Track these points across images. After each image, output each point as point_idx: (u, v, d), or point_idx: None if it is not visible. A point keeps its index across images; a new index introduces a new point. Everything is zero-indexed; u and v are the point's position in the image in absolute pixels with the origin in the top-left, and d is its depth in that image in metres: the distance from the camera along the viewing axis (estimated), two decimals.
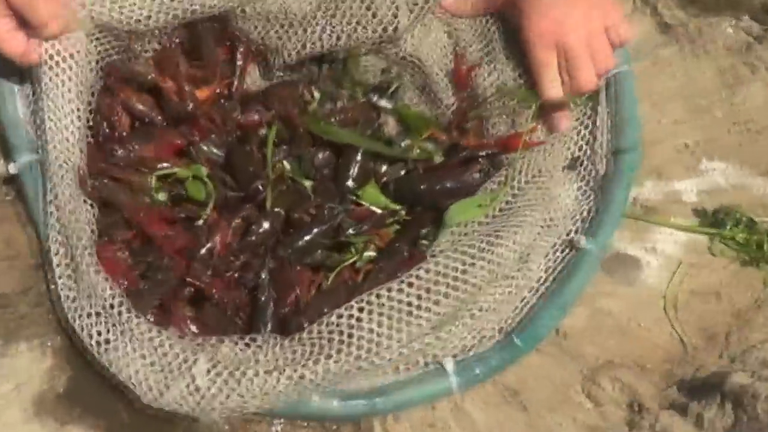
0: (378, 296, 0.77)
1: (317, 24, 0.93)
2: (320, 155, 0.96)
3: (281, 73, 1.00)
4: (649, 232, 0.99)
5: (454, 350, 0.84)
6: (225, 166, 0.93)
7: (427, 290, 0.78)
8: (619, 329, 0.92)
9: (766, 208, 1.01)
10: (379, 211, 0.93)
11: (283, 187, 0.92)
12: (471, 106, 0.99)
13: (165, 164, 0.90)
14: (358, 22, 0.93)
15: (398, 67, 1.01)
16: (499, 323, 0.86)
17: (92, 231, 0.82)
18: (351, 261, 0.88)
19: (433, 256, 0.82)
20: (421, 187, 0.93)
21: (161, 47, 0.95)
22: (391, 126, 1.00)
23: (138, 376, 0.74)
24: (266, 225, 0.87)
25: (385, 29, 0.94)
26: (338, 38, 0.94)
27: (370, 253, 0.89)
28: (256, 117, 0.95)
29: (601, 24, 0.90)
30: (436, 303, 0.77)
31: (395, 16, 0.93)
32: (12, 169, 0.89)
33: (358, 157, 0.94)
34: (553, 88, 0.90)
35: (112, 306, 0.76)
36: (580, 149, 0.94)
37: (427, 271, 0.78)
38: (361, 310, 0.76)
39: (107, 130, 0.91)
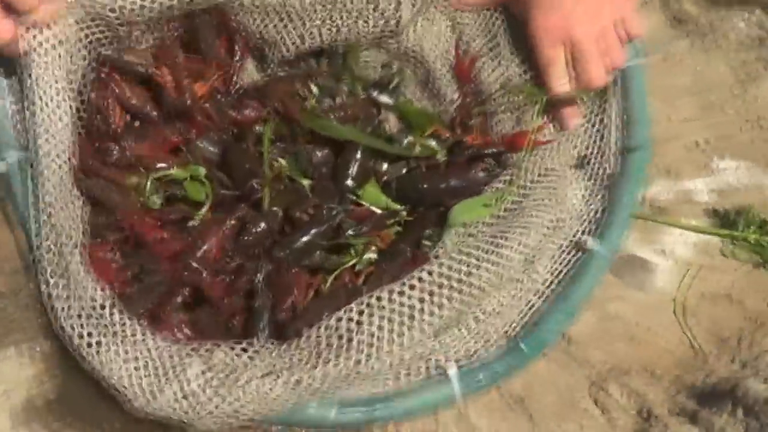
0: (379, 299, 0.77)
1: (317, 17, 0.93)
2: (318, 153, 0.95)
3: (278, 68, 1.00)
4: (659, 234, 0.99)
5: (457, 356, 0.84)
6: (221, 165, 0.93)
7: (430, 293, 0.77)
8: (628, 334, 0.92)
9: None
10: (379, 211, 0.93)
11: (280, 186, 0.92)
12: (475, 102, 0.98)
13: (162, 164, 0.90)
14: (358, 15, 0.93)
15: (400, 61, 1.00)
16: (504, 328, 0.86)
17: (83, 231, 0.82)
18: (351, 263, 0.88)
19: (437, 257, 0.82)
20: (424, 185, 0.93)
21: (160, 39, 0.94)
22: (392, 123, 1.00)
23: (128, 379, 0.74)
24: (263, 225, 0.87)
25: (386, 22, 0.93)
26: (338, 31, 0.93)
27: (371, 255, 0.88)
28: (252, 113, 0.94)
29: (610, 18, 0.89)
30: (439, 306, 0.77)
31: (397, 9, 0.93)
32: (1, 167, 0.88)
33: (358, 155, 0.94)
34: (560, 84, 0.90)
35: (102, 307, 0.76)
36: (588, 147, 0.94)
37: (430, 273, 0.78)
38: (361, 313, 0.76)
39: (101, 126, 0.91)
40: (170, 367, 0.74)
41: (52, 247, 0.80)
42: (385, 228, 0.92)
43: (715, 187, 1.02)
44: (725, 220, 0.99)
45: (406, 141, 0.97)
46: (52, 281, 0.79)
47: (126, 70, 0.92)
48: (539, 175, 0.90)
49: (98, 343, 0.75)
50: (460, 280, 0.78)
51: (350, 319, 0.76)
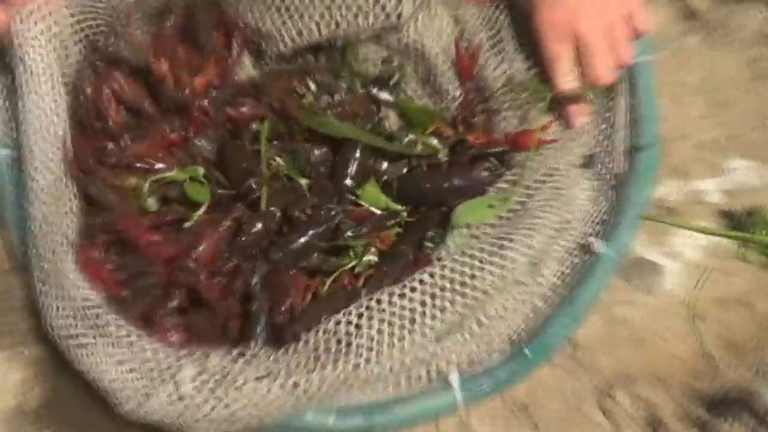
0: (378, 302, 0.77)
1: (315, 11, 0.93)
2: (316, 151, 0.95)
3: (274, 64, 0.99)
4: (670, 236, 0.99)
5: (460, 361, 0.83)
6: (218, 163, 0.92)
7: (432, 296, 0.77)
8: (637, 340, 0.92)
9: None
10: (378, 212, 0.93)
11: (278, 185, 0.92)
12: (478, 99, 0.98)
13: (161, 165, 0.89)
14: (358, 9, 0.92)
15: (400, 56, 1.00)
16: (507, 332, 0.85)
17: (76, 231, 0.82)
18: (350, 266, 0.87)
19: (439, 259, 0.82)
20: (427, 185, 0.92)
21: (158, 30, 0.94)
22: (392, 120, 1.00)
23: (117, 383, 0.73)
24: (259, 225, 0.86)
25: (387, 16, 0.93)
26: (337, 25, 0.93)
27: (371, 257, 0.88)
28: (248, 110, 0.94)
29: (617, 13, 0.89)
30: (441, 310, 0.77)
31: (398, 3, 0.93)
32: None
33: (357, 154, 0.93)
34: (566, 80, 0.90)
35: (93, 307, 0.76)
36: (595, 146, 0.93)
37: (432, 275, 0.78)
38: (360, 316, 0.76)
39: (96, 124, 0.90)
40: (164, 369, 0.73)
41: (43, 246, 0.80)
42: (385, 229, 0.92)
43: (728, 188, 1.02)
44: (738, 221, 0.99)
45: (406, 139, 0.97)
46: (42, 280, 0.79)
47: (122, 62, 0.91)
48: (544, 174, 0.90)
49: (89, 345, 0.75)
50: (463, 283, 0.78)
51: (349, 323, 0.76)
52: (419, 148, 0.96)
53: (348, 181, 0.93)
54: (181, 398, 0.72)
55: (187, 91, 0.90)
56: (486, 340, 0.84)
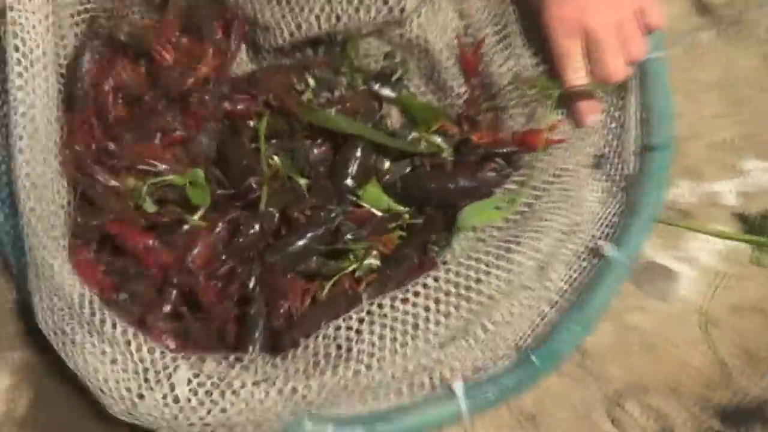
0: (380, 306, 0.76)
1: (315, 3, 0.92)
2: (315, 150, 0.95)
3: (272, 57, 0.99)
4: (683, 239, 0.99)
5: (464, 369, 0.83)
6: (217, 161, 0.92)
7: (436, 301, 0.77)
8: (649, 348, 0.92)
9: None
10: (380, 213, 0.92)
11: (278, 185, 0.91)
12: (484, 96, 0.98)
13: (161, 166, 0.89)
14: (360, 2, 0.92)
15: (403, 51, 1.00)
16: (514, 339, 0.85)
17: (68, 230, 0.81)
18: (350, 269, 0.87)
19: (444, 263, 0.81)
20: (431, 185, 0.92)
21: (160, 18, 0.93)
22: (394, 118, 0.99)
23: (109, 383, 0.73)
24: (257, 226, 0.86)
25: (390, 10, 0.93)
26: (338, 19, 0.93)
27: (372, 261, 0.87)
28: (245, 105, 0.93)
29: (629, 8, 0.89)
30: (446, 315, 0.77)
31: None
32: None
33: (358, 153, 0.93)
34: (576, 77, 0.90)
35: (84, 306, 0.75)
36: (606, 146, 0.94)
37: (437, 279, 0.78)
38: (361, 321, 0.76)
39: (95, 119, 0.89)
40: (160, 369, 0.73)
41: (36, 242, 0.79)
42: (387, 232, 0.91)
43: (745, 189, 1.02)
44: (755, 225, 0.99)
45: (410, 137, 0.96)
46: (36, 275, 0.78)
47: (122, 46, 0.90)
48: (553, 175, 0.90)
49: (82, 342, 0.74)
50: (468, 288, 0.78)
51: (349, 328, 0.75)
52: (423, 145, 0.95)
53: (348, 181, 0.92)
54: (176, 400, 0.72)
55: (191, 80, 0.89)
56: (491, 346, 0.84)
